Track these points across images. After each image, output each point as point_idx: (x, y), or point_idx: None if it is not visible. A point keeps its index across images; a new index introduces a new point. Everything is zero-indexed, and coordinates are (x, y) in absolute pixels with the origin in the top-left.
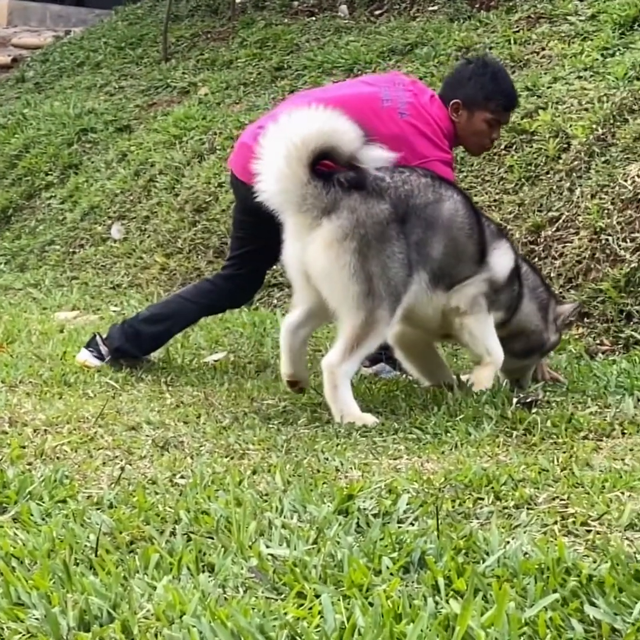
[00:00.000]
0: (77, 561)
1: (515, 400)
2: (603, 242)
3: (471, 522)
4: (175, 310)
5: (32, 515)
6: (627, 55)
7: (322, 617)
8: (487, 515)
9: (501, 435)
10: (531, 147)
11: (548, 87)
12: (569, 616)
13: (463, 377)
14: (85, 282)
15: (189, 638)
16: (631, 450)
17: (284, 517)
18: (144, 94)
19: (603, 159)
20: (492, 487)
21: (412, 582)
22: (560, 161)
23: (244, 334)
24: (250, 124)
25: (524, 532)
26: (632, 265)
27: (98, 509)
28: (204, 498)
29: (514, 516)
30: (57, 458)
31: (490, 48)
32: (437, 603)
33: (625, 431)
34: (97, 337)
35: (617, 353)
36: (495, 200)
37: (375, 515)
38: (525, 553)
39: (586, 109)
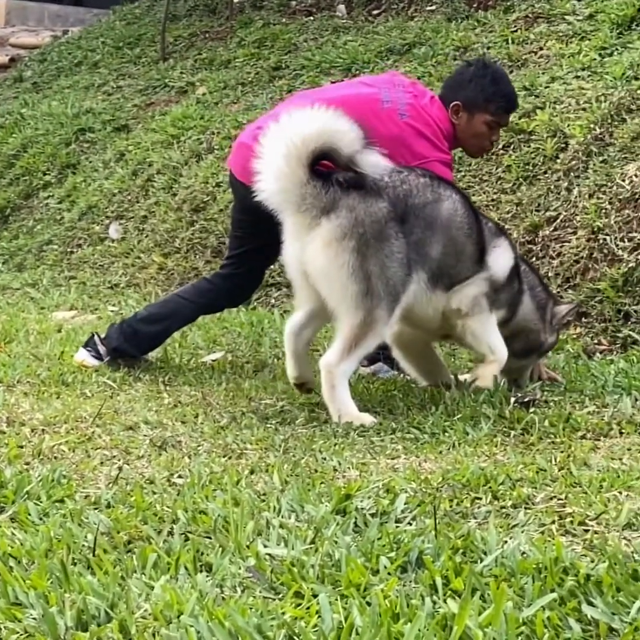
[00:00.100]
0: (75, 561)
1: (513, 399)
2: (601, 241)
3: (469, 521)
4: (174, 310)
5: (29, 514)
6: (625, 55)
7: (319, 616)
8: (485, 514)
9: (499, 434)
10: (529, 146)
11: (546, 87)
12: (566, 616)
13: (461, 377)
14: (83, 282)
15: (186, 638)
16: (629, 449)
17: (282, 517)
18: (141, 94)
19: (601, 158)
20: (490, 487)
21: (410, 581)
22: (558, 161)
23: (241, 334)
24: (249, 124)
25: (522, 532)
26: (630, 264)
27: (96, 508)
28: (201, 498)
29: (512, 516)
30: (55, 458)
31: (488, 48)
32: (434, 603)
33: (623, 431)
34: (95, 337)
35: (614, 353)
36: (493, 200)
37: (373, 515)
38: (523, 553)
39: (584, 109)
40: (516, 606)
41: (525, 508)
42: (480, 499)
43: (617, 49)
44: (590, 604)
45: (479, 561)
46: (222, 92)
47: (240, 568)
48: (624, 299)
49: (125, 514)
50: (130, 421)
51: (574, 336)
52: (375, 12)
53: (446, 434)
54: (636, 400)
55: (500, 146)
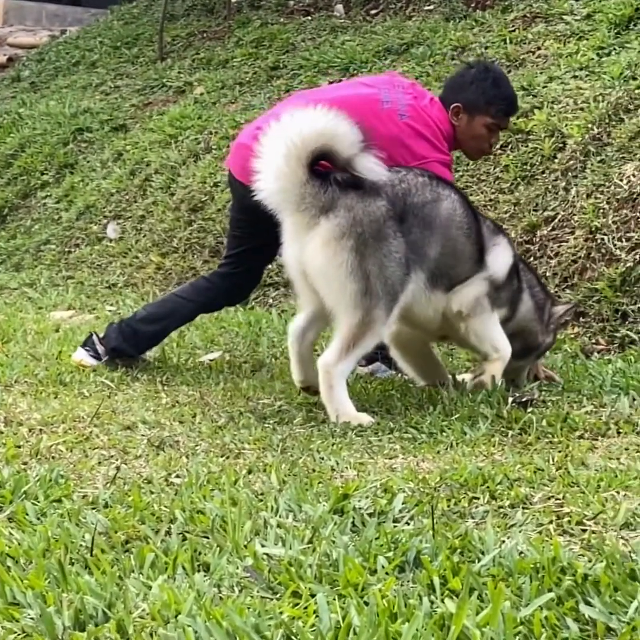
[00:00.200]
0: (73, 561)
1: (510, 399)
2: (598, 241)
3: (466, 521)
4: (173, 309)
5: (27, 514)
6: (623, 55)
7: (317, 616)
8: (483, 514)
9: (497, 434)
10: (527, 146)
11: (544, 87)
12: (564, 615)
13: (459, 377)
14: (80, 282)
15: (184, 637)
16: (626, 449)
17: (280, 517)
18: (139, 94)
19: (599, 158)
20: (488, 487)
21: (408, 581)
22: (556, 160)
23: (239, 334)
24: (247, 124)
25: (520, 532)
26: (628, 264)
27: (93, 508)
28: (199, 497)
29: (510, 515)
30: (53, 457)
31: (486, 48)
32: (432, 602)
33: (621, 430)
34: (94, 337)
35: (612, 352)
36: (490, 200)
37: (370, 515)
38: (521, 552)
39: (582, 109)
40: (514, 606)
41: (523, 508)
42: (478, 498)
43: (614, 49)
44: (588, 603)
45: (476, 561)
46: (219, 91)
47: (237, 568)
48: (621, 299)
49: (122, 513)
50: (128, 421)
51: (572, 336)
52: (373, 11)
53: (444, 433)
54: (634, 400)
55: (498, 146)
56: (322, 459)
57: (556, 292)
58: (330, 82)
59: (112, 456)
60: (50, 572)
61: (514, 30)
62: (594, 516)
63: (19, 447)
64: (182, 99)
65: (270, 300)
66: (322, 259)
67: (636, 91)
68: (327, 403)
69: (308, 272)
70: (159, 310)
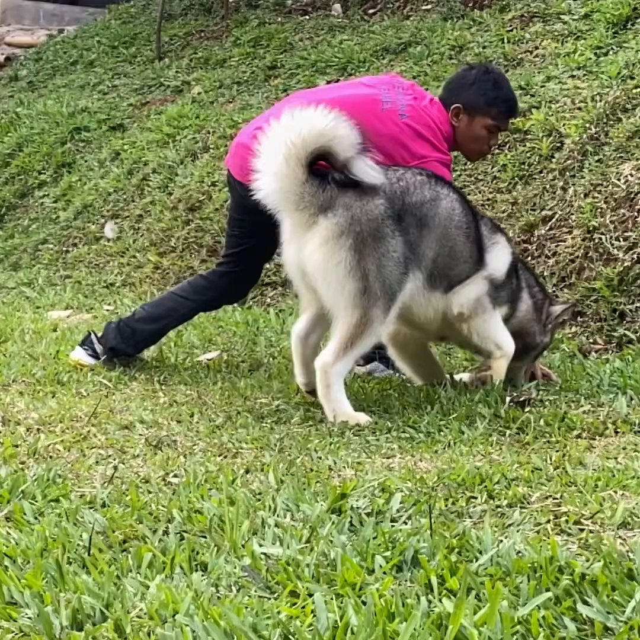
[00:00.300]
0: (70, 560)
1: (508, 399)
2: (596, 241)
3: (464, 520)
4: (172, 308)
5: (24, 514)
6: (621, 54)
7: (315, 616)
8: (480, 514)
9: (494, 434)
10: (524, 146)
11: (541, 86)
12: (561, 615)
13: (457, 377)
14: (78, 281)
15: (181, 637)
16: (624, 448)
17: (277, 516)
18: (137, 93)
19: (596, 158)
20: (485, 486)
21: (405, 580)
22: (554, 160)
23: (237, 333)
24: (245, 124)
25: (517, 531)
26: (625, 264)
27: (91, 508)
28: (197, 497)
29: (507, 515)
30: (50, 457)
31: (484, 47)
32: (430, 602)
33: (618, 430)
34: (92, 336)
35: (610, 352)
36: (488, 199)
37: (368, 514)
38: (518, 552)
39: (579, 108)
40: (511, 605)
41: (521, 507)
42: (475, 498)
43: (612, 48)
44: (586, 603)
45: (474, 560)
46: (217, 91)
47: (235, 567)
48: (619, 298)
49: (120, 513)
50: (125, 420)
51: (570, 335)
52: (370, 11)
53: (442, 433)
54: (631, 399)
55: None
56: (320, 458)
57: (554, 291)
58: (328, 82)
59: (109, 456)
60: (47, 571)
61: (511, 30)
62: (591, 516)
63: (17, 446)
64: (179, 98)
65: (268, 300)
66: (320, 258)
67: (634, 91)
68: (325, 402)
69: (307, 271)
70: (157, 310)
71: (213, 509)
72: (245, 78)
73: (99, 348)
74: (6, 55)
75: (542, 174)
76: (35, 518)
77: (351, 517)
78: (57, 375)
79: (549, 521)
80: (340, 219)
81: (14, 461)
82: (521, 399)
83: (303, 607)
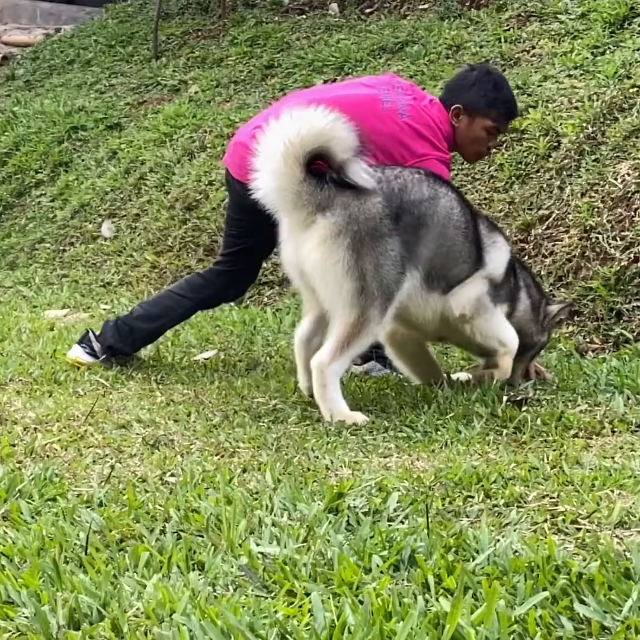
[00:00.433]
0: (67, 559)
1: (505, 398)
2: (593, 240)
3: (461, 520)
4: (169, 307)
5: (21, 513)
6: (617, 54)
7: (312, 615)
8: (477, 513)
9: (491, 433)
10: (521, 145)
11: (538, 86)
12: (558, 614)
13: (454, 376)
14: (75, 280)
15: (178, 636)
16: (621, 448)
17: (274, 516)
18: (134, 92)
19: (593, 157)
20: (482, 485)
21: (402, 580)
22: (551, 159)
23: (234, 332)
24: (243, 123)
25: (514, 530)
26: (622, 263)
27: (88, 507)
28: (194, 496)
29: (504, 514)
30: (47, 456)
31: (481, 46)
32: (427, 601)
33: (615, 429)
34: (90, 334)
35: (607, 351)
36: (485, 199)
37: (365, 514)
38: (515, 551)
39: (576, 108)
40: (508, 605)
41: (518, 507)
42: (472, 497)
43: (609, 48)
44: (582, 602)
45: (471, 560)
46: (214, 90)
47: (232, 566)
48: (616, 298)
49: (117, 512)
50: (122, 420)
51: (567, 335)
52: (367, 10)
53: (439, 432)
54: (628, 398)
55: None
56: (317, 457)
57: (551, 291)
58: (325, 81)
59: (106, 455)
60: (44, 570)
61: (508, 29)
62: (588, 515)
63: (14, 445)
64: (176, 97)
65: (265, 299)
66: (318, 257)
67: (630, 90)
68: (321, 402)
69: (305, 271)
70: (155, 308)
71: (210, 508)
72: (242, 77)
73: (97, 346)
74: (3, 54)
75: (539, 174)
76: (32, 517)
77: (348, 517)
78: (54, 374)
79: (546, 520)
80: (338, 218)
81: (11, 460)
82: (518, 398)
83: (300, 607)
